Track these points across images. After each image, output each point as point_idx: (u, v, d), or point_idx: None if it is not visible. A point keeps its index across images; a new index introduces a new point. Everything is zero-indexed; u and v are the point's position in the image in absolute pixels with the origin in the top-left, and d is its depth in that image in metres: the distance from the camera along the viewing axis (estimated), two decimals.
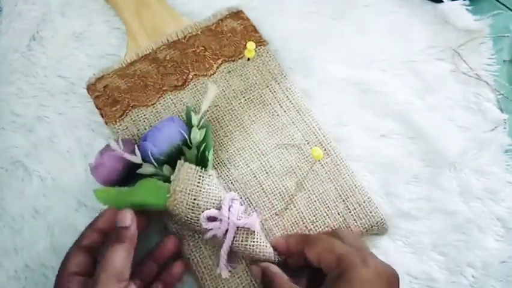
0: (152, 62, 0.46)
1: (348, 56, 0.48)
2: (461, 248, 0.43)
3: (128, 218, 0.36)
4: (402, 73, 0.48)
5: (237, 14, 0.48)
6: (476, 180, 0.44)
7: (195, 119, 0.41)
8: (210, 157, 0.40)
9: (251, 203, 0.42)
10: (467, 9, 0.48)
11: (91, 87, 0.46)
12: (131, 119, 0.45)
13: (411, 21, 0.50)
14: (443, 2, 0.49)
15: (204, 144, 0.40)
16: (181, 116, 0.45)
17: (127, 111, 0.45)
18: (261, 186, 0.43)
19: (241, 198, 0.42)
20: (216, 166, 0.43)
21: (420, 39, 0.49)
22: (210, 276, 0.40)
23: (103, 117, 0.45)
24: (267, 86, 0.46)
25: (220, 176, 0.43)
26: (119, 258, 0.34)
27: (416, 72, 0.48)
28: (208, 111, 0.45)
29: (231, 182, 0.43)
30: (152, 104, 0.45)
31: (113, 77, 0.46)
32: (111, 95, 0.45)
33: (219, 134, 0.44)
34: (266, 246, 0.38)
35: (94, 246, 0.37)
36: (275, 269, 0.37)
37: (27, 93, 0.47)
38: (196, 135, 0.40)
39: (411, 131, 0.46)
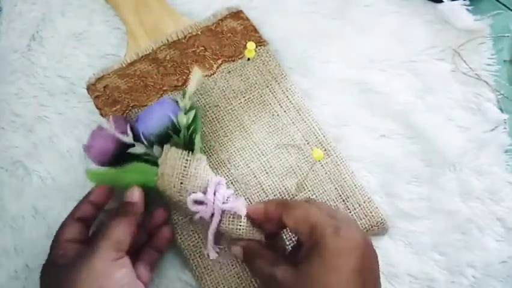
0: (152, 62, 0.46)
1: (348, 56, 0.48)
2: (461, 248, 0.43)
3: (135, 195, 0.38)
4: (402, 73, 0.48)
5: (237, 14, 0.48)
6: (476, 180, 0.44)
7: (181, 104, 0.40)
8: (197, 140, 0.39)
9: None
10: (467, 9, 0.48)
11: (91, 87, 0.46)
12: (131, 119, 0.45)
13: (412, 21, 0.50)
14: (443, 2, 0.48)
15: (192, 127, 0.40)
16: None
17: (127, 111, 0.45)
18: (261, 186, 0.43)
19: None
20: (216, 166, 0.43)
21: (420, 39, 0.49)
22: (210, 276, 0.40)
23: (103, 117, 0.45)
24: (267, 86, 0.46)
25: (220, 176, 0.43)
26: (121, 229, 0.36)
27: (416, 72, 0.48)
28: (208, 111, 0.45)
29: (231, 182, 0.43)
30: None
31: (113, 77, 0.46)
32: (111, 95, 0.45)
33: (219, 134, 0.44)
34: (253, 229, 0.38)
35: (87, 217, 0.39)
36: (256, 245, 0.37)
37: (27, 93, 0.47)
38: (183, 119, 0.40)
39: (411, 131, 0.46)
